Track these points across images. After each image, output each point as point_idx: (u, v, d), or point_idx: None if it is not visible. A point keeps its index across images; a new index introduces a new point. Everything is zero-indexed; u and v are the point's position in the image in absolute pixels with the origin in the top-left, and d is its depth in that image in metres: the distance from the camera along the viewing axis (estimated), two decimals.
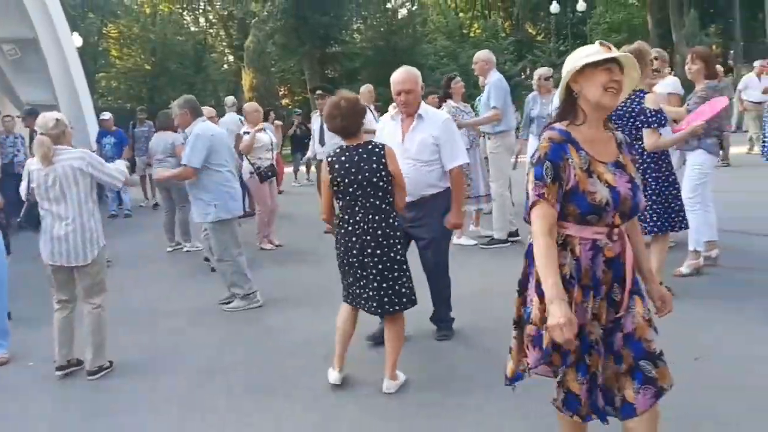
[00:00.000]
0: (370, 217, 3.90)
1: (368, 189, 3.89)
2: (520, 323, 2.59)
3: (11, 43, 13.49)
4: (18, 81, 13.83)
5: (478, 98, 8.34)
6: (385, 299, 3.95)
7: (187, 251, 8.82)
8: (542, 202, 2.36)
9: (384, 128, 4.82)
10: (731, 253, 6.12)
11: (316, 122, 9.51)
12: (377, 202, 3.92)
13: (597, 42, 2.47)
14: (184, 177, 6.06)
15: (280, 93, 32.90)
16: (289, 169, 15.53)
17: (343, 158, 3.95)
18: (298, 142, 15.92)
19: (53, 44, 13.58)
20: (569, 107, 2.48)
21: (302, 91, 34.87)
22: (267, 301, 6.18)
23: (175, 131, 8.39)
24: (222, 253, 6.01)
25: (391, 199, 3.97)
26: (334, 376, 4.16)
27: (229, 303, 6.10)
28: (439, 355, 4.60)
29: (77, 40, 14.98)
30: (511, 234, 7.64)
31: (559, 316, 2.22)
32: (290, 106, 34.06)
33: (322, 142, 9.14)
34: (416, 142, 4.53)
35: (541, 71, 8.47)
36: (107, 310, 4.81)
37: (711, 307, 4.99)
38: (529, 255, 2.48)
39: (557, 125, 2.49)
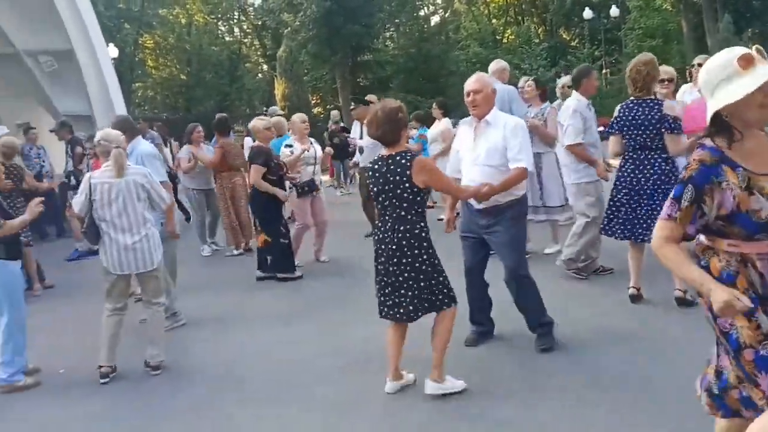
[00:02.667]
0: (396, 226, 3.91)
1: (394, 200, 3.91)
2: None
3: (48, 54, 13.79)
4: (54, 92, 14.12)
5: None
6: (410, 307, 3.93)
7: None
8: (670, 222, 2.31)
9: (460, 134, 4.77)
10: None
11: (356, 131, 9.57)
12: (402, 213, 3.91)
13: (743, 51, 2.24)
14: None
15: (312, 102, 33.06)
16: (325, 178, 15.51)
17: (376, 167, 4.03)
18: (337, 151, 15.91)
19: (89, 55, 13.85)
20: (721, 127, 2.32)
21: (334, 99, 35.08)
22: (289, 311, 6.19)
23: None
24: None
25: (418, 209, 3.96)
26: (389, 386, 4.17)
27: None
28: (479, 364, 4.52)
29: (113, 51, 15.29)
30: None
31: (724, 292, 2.12)
32: (321, 115, 34.26)
33: (361, 151, 9.18)
34: (485, 147, 4.40)
35: (564, 80, 8.32)
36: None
37: None
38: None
39: (708, 142, 2.34)
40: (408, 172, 3.86)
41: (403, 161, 3.90)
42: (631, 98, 5.24)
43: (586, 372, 4.17)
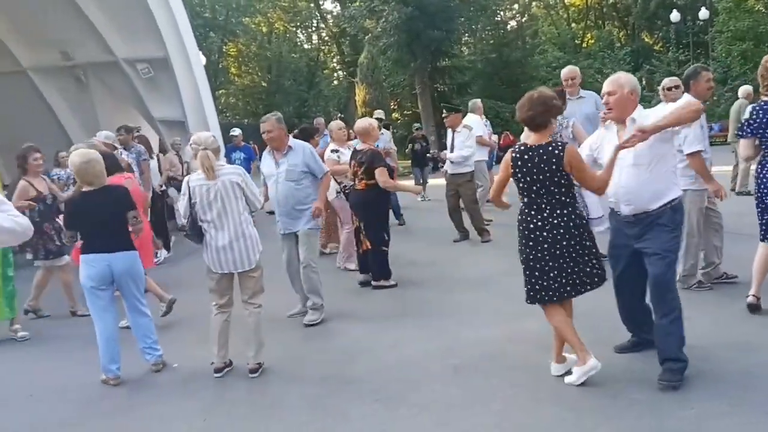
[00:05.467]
0: (558, 212, 4.08)
1: (551, 187, 4.06)
2: None
3: (145, 62, 14.36)
4: (150, 98, 14.69)
5: None
6: (578, 281, 4.14)
7: None
8: None
9: (604, 137, 4.44)
10: None
11: (448, 136, 9.57)
12: (561, 198, 4.09)
13: None
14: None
15: (391, 107, 33.27)
16: (409, 182, 15.53)
17: (525, 157, 4.11)
18: (417, 158, 15.95)
19: (183, 63, 14.33)
20: None
21: (412, 105, 35.18)
22: (387, 315, 6.24)
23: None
24: (313, 260, 6.14)
25: (573, 192, 4.14)
26: (554, 368, 4.34)
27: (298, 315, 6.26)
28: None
29: (202, 59, 15.73)
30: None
31: None
32: (398, 120, 34.41)
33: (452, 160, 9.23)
34: (630, 148, 4.08)
35: (665, 82, 8.06)
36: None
37: None
38: None
39: None
40: (562, 161, 4.00)
41: (556, 151, 4.02)
42: (763, 99, 5.04)
43: (707, 381, 4.04)
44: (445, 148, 9.78)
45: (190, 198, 4.90)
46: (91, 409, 4.62)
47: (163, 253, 9.55)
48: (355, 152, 7.38)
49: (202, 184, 4.86)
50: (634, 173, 4.11)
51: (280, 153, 6.03)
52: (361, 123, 7.51)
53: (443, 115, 9.66)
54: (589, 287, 4.18)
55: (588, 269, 4.14)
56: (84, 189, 5.03)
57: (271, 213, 6.59)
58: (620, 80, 4.19)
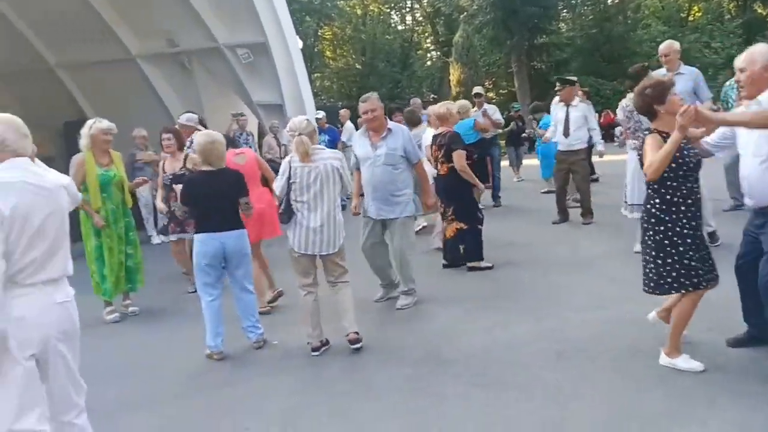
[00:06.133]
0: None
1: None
2: None
3: (245, 47, 14.72)
4: (249, 83, 15.05)
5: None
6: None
7: None
8: None
9: None
10: None
11: (560, 111, 9.05)
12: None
13: None
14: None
15: (486, 86, 32.76)
16: (504, 163, 15.25)
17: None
18: (513, 138, 15.68)
19: (281, 47, 14.61)
20: None
21: (508, 84, 34.51)
22: (482, 297, 6.18)
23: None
24: (408, 247, 6.09)
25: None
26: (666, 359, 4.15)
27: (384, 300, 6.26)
28: None
29: (299, 43, 15.98)
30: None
31: None
32: (493, 99, 33.88)
33: (566, 134, 8.85)
34: (756, 132, 3.85)
35: None
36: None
37: None
38: None
39: None
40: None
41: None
42: None
43: None
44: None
45: (289, 178, 5.01)
46: (197, 382, 4.83)
47: None
48: (434, 136, 7.28)
49: (303, 165, 4.95)
50: (753, 164, 3.87)
51: (378, 135, 5.89)
52: (437, 107, 7.44)
53: (557, 89, 9.24)
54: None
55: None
56: (204, 168, 5.26)
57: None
58: (753, 55, 3.88)
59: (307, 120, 5.12)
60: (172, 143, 7.09)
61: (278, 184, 5.15)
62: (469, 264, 7.11)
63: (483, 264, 7.09)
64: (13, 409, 2.85)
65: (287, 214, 5.06)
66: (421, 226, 9.14)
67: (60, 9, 14.48)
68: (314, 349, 5.05)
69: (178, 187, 5.60)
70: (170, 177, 6.94)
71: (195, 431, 4.10)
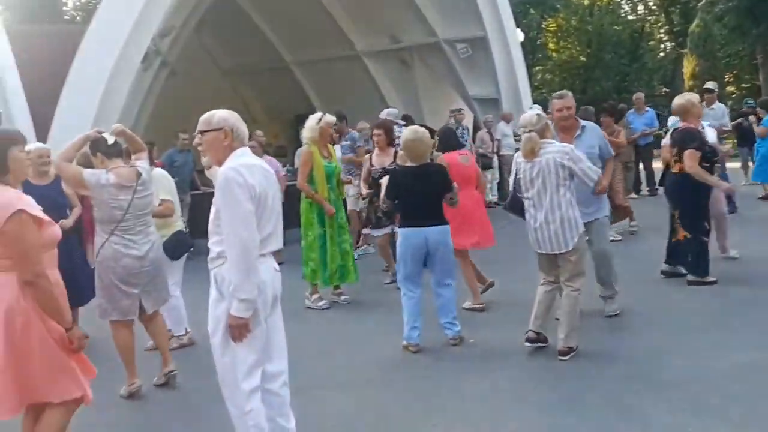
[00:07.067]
0: None
1: None
2: None
3: (464, 42, 14.83)
4: (467, 77, 15.14)
5: None
6: None
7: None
8: None
9: None
10: None
11: None
12: None
13: None
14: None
15: (726, 79, 29.86)
16: (735, 165, 13.83)
17: None
18: (745, 136, 14.13)
19: (501, 41, 14.51)
20: None
21: (751, 78, 31.17)
22: (705, 314, 5.68)
23: None
24: (609, 248, 5.78)
25: None
26: None
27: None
28: None
29: (520, 36, 15.72)
30: None
31: None
32: (733, 94, 30.82)
33: None
34: None
35: None
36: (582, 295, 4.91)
37: None
38: None
39: None
40: None
41: None
42: None
43: None
44: None
45: (516, 173, 5.01)
46: (392, 371, 4.95)
47: None
48: (673, 132, 6.71)
49: (527, 160, 4.88)
50: None
51: (570, 135, 5.54)
52: (678, 99, 6.74)
53: None
54: None
55: None
56: (408, 164, 5.40)
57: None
58: None
59: (538, 115, 4.96)
60: (383, 138, 7.30)
61: (512, 179, 5.18)
62: (690, 278, 6.47)
63: (706, 279, 6.38)
64: (250, 366, 3.11)
65: (514, 208, 5.09)
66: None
67: (296, 9, 15.62)
68: (528, 340, 4.93)
69: (385, 180, 5.74)
70: (379, 171, 7.15)
71: (386, 416, 4.18)
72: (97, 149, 4.64)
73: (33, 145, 6.46)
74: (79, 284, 5.33)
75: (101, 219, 4.56)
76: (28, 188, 5.83)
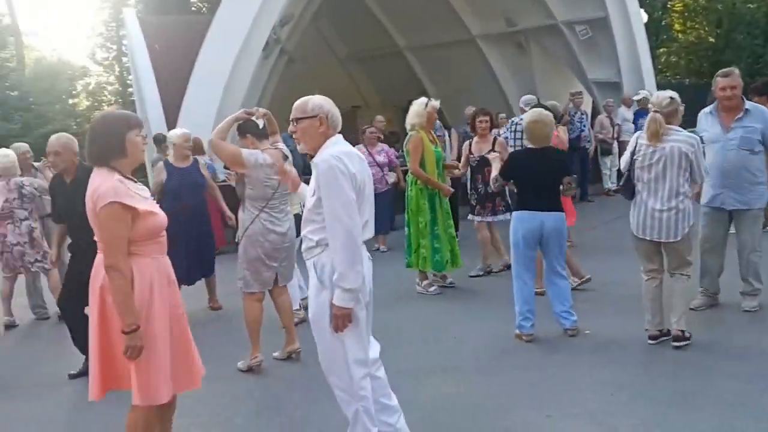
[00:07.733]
0: None
1: None
2: None
3: (583, 23, 14.33)
4: (586, 59, 14.65)
5: None
6: None
7: None
8: None
9: None
10: None
11: None
12: None
13: None
14: None
15: None
16: None
17: None
18: None
19: (622, 22, 13.93)
20: None
21: None
22: None
23: None
24: (759, 242, 5.43)
25: None
26: None
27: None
28: None
29: (643, 16, 15.01)
30: None
31: None
32: None
33: None
34: None
35: None
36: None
37: None
38: None
39: None
40: None
41: None
42: None
43: None
44: None
45: (633, 153, 4.82)
46: (505, 360, 4.88)
47: None
48: None
49: (649, 144, 4.69)
50: None
51: (731, 116, 5.30)
52: None
53: None
54: None
55: None
56: (528, 146, 5.35)
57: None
58: None
59: (671, 98, 4.72)
60: (487, 125, 7.25)
61: (623, 159, 4.98)
62: None
63: None
64: (359, 353, 3.16)
65: (627, 190, 4.91)
66: None
67: None
68: (651, 338, 4.81)
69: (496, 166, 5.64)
70: (477, 159, 7.15)
71: (495, 402, 4.13)
72: (248, 131, 4.91)
73: (178, 130, 7.00)
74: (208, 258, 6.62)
75: (253, 197, 4.80)
76: (170, 170, 6.43)
